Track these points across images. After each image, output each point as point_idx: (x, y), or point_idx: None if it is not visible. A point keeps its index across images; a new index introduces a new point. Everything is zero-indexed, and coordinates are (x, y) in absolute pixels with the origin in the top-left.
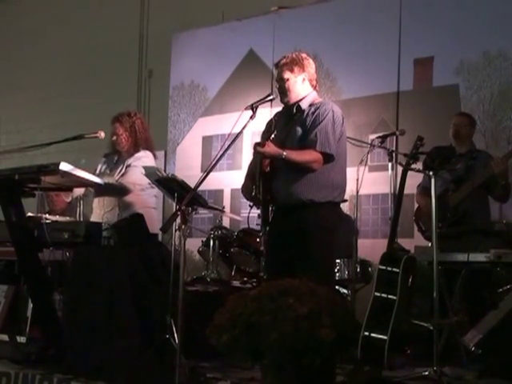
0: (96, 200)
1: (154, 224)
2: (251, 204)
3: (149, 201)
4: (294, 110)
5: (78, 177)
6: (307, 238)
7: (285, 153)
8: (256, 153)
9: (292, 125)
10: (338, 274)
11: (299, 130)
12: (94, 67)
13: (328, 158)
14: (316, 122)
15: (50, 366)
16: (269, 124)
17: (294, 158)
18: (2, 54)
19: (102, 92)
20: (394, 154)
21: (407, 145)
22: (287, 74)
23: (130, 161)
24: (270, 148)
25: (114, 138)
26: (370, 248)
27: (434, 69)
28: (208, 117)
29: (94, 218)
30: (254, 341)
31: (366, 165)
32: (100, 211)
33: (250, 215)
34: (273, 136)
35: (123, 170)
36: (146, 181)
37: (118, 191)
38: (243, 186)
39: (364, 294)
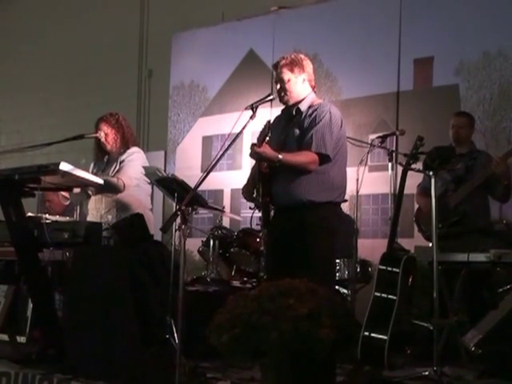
0: (92, 201)
1: (150, 225)
2: (252, 206)
3: (145, 201)
4: (294, 113)
5: (78, 177)
6: (307, 239)
7: (280, 156)
8: (253, 153)
9: (291, 127)
10: (338, 274)
11: (297, 131)
12: (94, 67)
13: (324, 158)
14: (313, 123)
15: (50, 366)
16: (264, 127)
17: (290, 160)
18: (1, 54)
19: (102, 92)
20: (393, 154)
21: (407, 145)
22: (288, 75)
23: (123, 157)
24: (267, 149)
25: (103, 137)
26: (370, 248)
27: (434, 69)
28: (208, 117)
29: (90, 220)
30: (253, 341)
31: (366, 165)
32: (97, 212)
33: (253, 215)
34: (267, 138)
35: (117, 167)
36: (141, 175)
37: (116, 186)
38: (244, 186)
39: (364, 294)
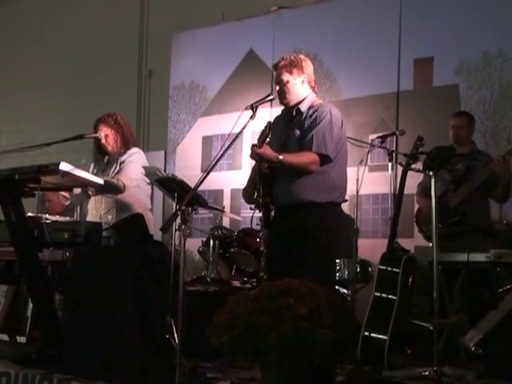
0: (92, 201)
1: (150, 226)
2: (252, 206)
3: (145, 202)
4: (294, 113)
5: (78, 177)
6: (308, 239)
7: (281, 156)
8: (253, 154)
9: (291, 128)
10: (338, 274)
11: (298, 132)
12: (94, 67)
13: (324, 159)
14: (313, 124)
15: (49, 366)
16: (265, 128)
17: (291, 160)
18: (1, 54)
19: (102, 92)
20: (393, 154)
21: (407, 145)
22: (286, 76)
23: (123, 158)
24: (268, 150)
25: (103, 138)
26: (370, 248)
27: (434, 69)
28: (208, 117)
29: (89, 220)
30: (253, 341)
31: (366, 165)
32: (96, 212)
33: (253, 215)
34: (268, 140)
35: (117, 168)
36: (141, 176)
37: (116, 187)
38: (244, 189)
39: (364, 294)
